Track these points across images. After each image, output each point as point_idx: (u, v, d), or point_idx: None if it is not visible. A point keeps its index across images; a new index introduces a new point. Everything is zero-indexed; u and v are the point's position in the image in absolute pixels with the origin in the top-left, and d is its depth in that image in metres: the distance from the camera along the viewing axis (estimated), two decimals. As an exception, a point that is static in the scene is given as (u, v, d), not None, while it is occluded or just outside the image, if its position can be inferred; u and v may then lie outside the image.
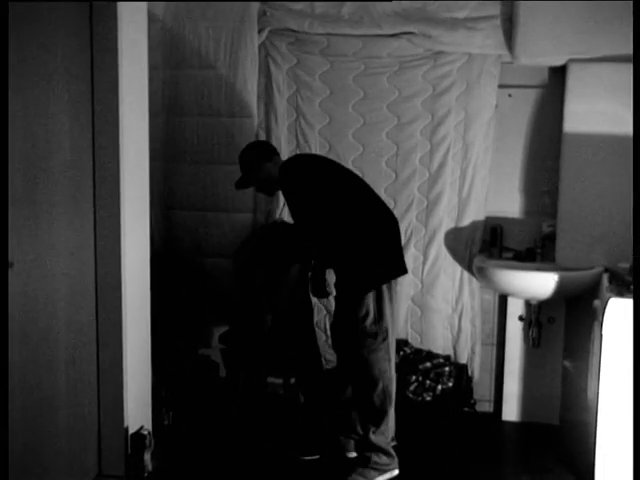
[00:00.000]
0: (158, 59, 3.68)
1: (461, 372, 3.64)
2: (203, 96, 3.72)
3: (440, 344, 3.72)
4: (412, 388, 3.55)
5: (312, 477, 3.06)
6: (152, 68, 3.18)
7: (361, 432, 3.04)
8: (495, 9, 3.48)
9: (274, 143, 3.53)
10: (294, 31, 3.65)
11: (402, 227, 3.53)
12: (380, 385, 2.94)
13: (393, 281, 2.98)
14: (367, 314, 2.91)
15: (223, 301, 3.71)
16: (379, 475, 2.97)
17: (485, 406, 3.78)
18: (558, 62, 3.48)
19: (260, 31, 3.65)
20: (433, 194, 3.65)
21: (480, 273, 3.50)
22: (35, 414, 2.47)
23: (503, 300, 3.71)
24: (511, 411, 3.69)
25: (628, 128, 3.20)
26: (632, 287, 2.82)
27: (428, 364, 3.60)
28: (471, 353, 3.73)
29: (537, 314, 3.55)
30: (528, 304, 3.59)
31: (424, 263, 3.69)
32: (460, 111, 3.59)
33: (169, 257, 3.79)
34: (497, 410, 3.75)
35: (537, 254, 3.60)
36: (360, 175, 3.24)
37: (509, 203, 3.69)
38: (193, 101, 3.73)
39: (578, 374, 3.43)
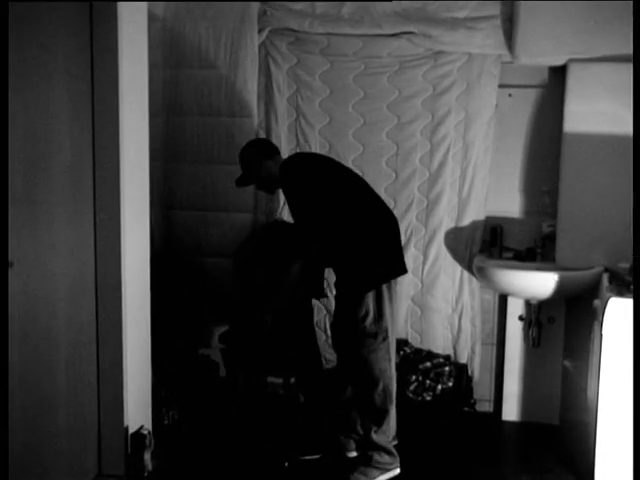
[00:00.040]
0: (158, 58, 3.68)
1: (461, 372, 3.64)
2: (203, 96, 3.73)
3: (440, 344, 3.73)
4: (412, 388, 3.55)
5: (312, 477, 3.06)
6: (152, 67, 3.18)
7: (361, 432, 3.04)
8: (495, 9, 3.48)
9: (274, 142, 3.52)
10: (294, 31, 3.65)
11: (402, 227, 3.53)
12: (381, 385, 2.94)
13: (393, 281, 2.98)
14: (367, 314, 2.91)
15: (223, 301, 3.71)
16: (381, 474, 2.97)
17: (485, 406, 3.78)
18: (558, 62, 3.48)
19: (260, 31, 3.65)
20: (433, 194, 3.65)
21: (480, 273, 3.50)
22: (35, 414, 2.47)
23: (503, 300, 3.71)
24: (511, 411, 3.69)
25: (628, 128, 3.20)
26: (632, 287, 2.82)
27: (428, 364, 3.60)
28: (471, 353, 3.73)
29: (537, 314, 3.55)
30: (528, 304, 3.59)
31: (424, 263, 3.69)
32: (460, 111, 3.59)
33: (169, 257, 3.79)
34: (497, 410, 3.75)
35: (537, 254, 3.60)
36: (360, 174, 3.24)
37: (509, 203, 3.69)
38: (193, 101, 3.74)
39: (578, 374, 3.43)
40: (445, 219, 3.66)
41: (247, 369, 3.55)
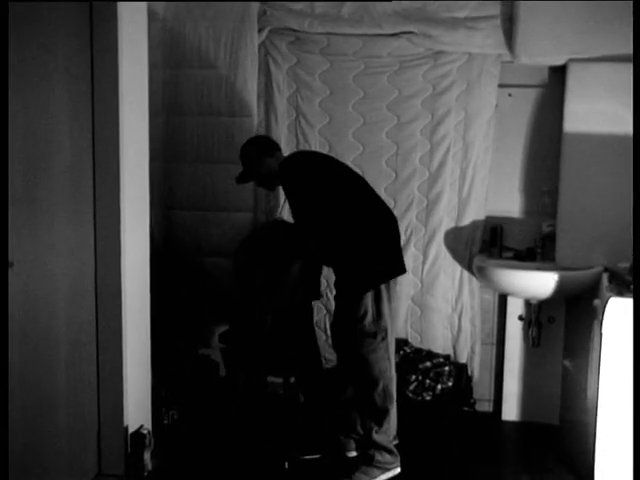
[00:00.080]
0: (158, 58, 3.68)
1: (461, 371, 3.64)
2: (203, 95, 3.72)
3: (440, 343, 3.73)
4: (412, 387, 3.55)
5: (312, 477, 3.06)
6: (152, 67, 3.18)
7: (361, 431, 3.04)
8: (495, 9, 3.48)
9: (274, 141, 3.53)
10: (294, 30, 3.65)
11: (402, 226, 3.54)
12: (381, 384, 2.94)
13: (392, 280, 2.98)
14: (366, 314, 2.90)
15: (223, 301, 3.71)
16: (382, 473, 2.97)
17: (485, 406, 3.78)
18: (558, 62, 3.48)
19: (260, 30, 3.65)
20: (433, 194, 3.65)
21: (480, 273, 3.50)
22: (35, 414, 2.47)
23: (503, 300, 3.71)
24: (511, 411, 3.69)
25: (628, 128, 3.20)
26: (632, 287, 2.82)
27: (428, 363, 3.60)
28: (471, 352, 3.73)
29: (537, 314, 3.55)
30: (528, 304, 3.59)
31: (424, 263, 3.70)
32: (460, 111, 3.59)
33: (169, 257, 3.79)
34: (497, 410, 3.75)
35: (537, 254, 3.60)
36: (360, 174, 3.23)
37: (509, 203, 3.69)
38: (193, 100, 3.73)
39: (578, 374, 3.43)
40: (445, 219, 3.66)
41: (247, 369, 3.55)
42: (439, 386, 3.54)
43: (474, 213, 3.63)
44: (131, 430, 2.92)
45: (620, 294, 2.77)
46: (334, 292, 3.10)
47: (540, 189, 3.65)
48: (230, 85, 3.68)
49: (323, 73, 3.67)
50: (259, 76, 3.70)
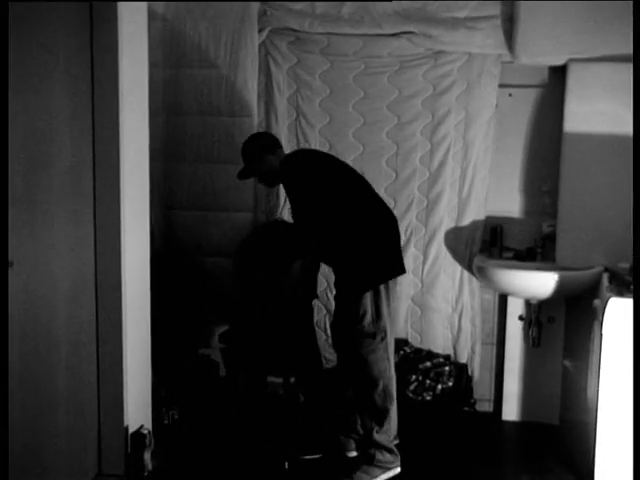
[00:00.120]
0: (158, 58, 3.68)
1: (461, 371, 3.64)
2: (203, 95, 3.72)
3: (440, 343, 3.72)
4: (412, 387, 3.55)
5: (312, 477, 3.06)
6: (152, 67, 3.18)
7: (361, 431, 3.04)
8: (495, 9, 3.48)
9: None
10: (294, 30, 3.65)
11: (402, 226, 3.54)
12: (380, 384, 2.94)
13: (391, 281, 2.98)
14: (365, 314, 2.90)
15: (223, 301, 3.71)
16: (383, 473, 2.97)
17: (485, 406, 3.78)
18: (558, 62, 3.48)
19: (260, 30, 3.65)
20: (433, 193, 3.65)
21: (480, 273, 3.50)
22: (35, 414, 2.47)
23: (503, 300, 3.71)
24: (511, 411, 3.69)
25: (628, 128, 3.20)
26: (632, 287, 2.82)
27: (428, 363, 3.60)
28: (471, 352, 3.73)
29: (537, 314, 3.55)
30: (528, 304, 3.59)
31: (424, 263, 3.69)
32: (460, 111, 3.59)
33: (169, 256, 3.79)
34: (497, 410, 3.75)
35: (537, 254, 3.60)
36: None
37: (509, 203, 3.69)
38: (193, 100, 3.73)
39: (578, 374, 3.43)
40: (445, 219, 3.66)
41: (247, 369, 3.56)
42: (439, 386, 3.54)
43: (474, 213, 3.63)
44: (131, 430, 2.92)
45: (620, 294, 2.78)
46: (334, 292, 3.10)
47: (540, 189, 3.64)
48: (230, 85, 3.68)
49: (323, 73, 3.67)
50: (259, 76, 3.70)
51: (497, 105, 3.58)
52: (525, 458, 3.34)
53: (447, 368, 3.59)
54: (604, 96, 3.36)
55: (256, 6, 3.63)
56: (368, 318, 2.91)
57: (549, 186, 3.59)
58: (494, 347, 3.77)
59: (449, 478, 3.10)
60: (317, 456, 3.17)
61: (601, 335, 2.75)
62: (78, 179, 2.69)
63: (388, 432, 2.98)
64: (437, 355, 3.67)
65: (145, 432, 2.91)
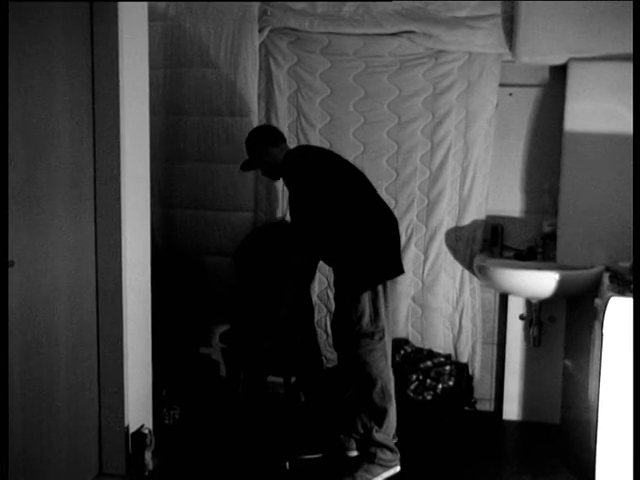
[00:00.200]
0: (159, 57, 3.68)
1: (462, 371, 3.64)
2: (203, 95, 3.72)
3: (441, 343, 3.72)
4: (413, 387, 3.54)
5: (313, 476, 3.06)
6: (152, 67, 3.17)
7: (362, 431, 3.04)
8: (496, 8, 3.48)
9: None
10: (295, 30, 3.64)
11: (403, 226, 3.54)
12: (379, 384, 2.94)
13: (390, 281, 2.98)
14: (363, 314, 2.90)
15: (223, 300, 3.71)
16: (384, 471, 2.97)
17: (486, 405, 3.78)
18: (559, 61, 3.47)
19: (261, 30, 3.65)
20: (434, 193, 3.65)
21: (481, 272, 3.50)
22: (35, 414, 2.47)
23: (504, 299, 3.71)
24: (512, 410, 3.69)
25: (629, 127, 3.20)
26: (633, 286, 2.82)
27: (429, 363, 3.60)
28: (472, 352, 3.73)
29: (538, 313, 3.55)
30: (529, 303, 3.59)
31: (425, 262, 3.69)
32: (461, 110, 3.59)
33: (170, 256, 3.79)
34: (498, 409, 3.75)
35: (538, 253, 3.60)
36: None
37: (510, 202, 3.69)
38: (194, 100, 3.73)
39: (579, 373, 3.43)
40: (446, 218, 3.66)
41: (247, 369, 3.55)
42: (440, 385, 3.54)
43: (475, 212, 3.63)
44: (132, 430, 2.92)
45: (621, 293, 2.77)
46: (334, 291, 3.10)
47: (541, 188, 3.64)
48: (231, 84, 3.68)
49: (324, 72, 3.67)
50: (260, 75, 3.70)
51: (498, 104, 3.58)
52: (526, 457, 3.33)
53: (448, 367, 3.58)
54: (605, 95, 3.35)
55: (256, 6, 3.63)
56: (366, 318, 2.91)
57: (550, 185, 3.59)
58: (495, 346, 3.77)
59: (450, 477, 3.10)
60: (318, 456, 3.17)
61: (602, 334, 2.75)
62: (78, 179, 2.69)
63: (387, 431, 2.97)
64: (438, 354, 3.67)
65: (146, 432, 2.91)
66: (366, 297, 2.90)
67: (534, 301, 3.52)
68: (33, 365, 2.44)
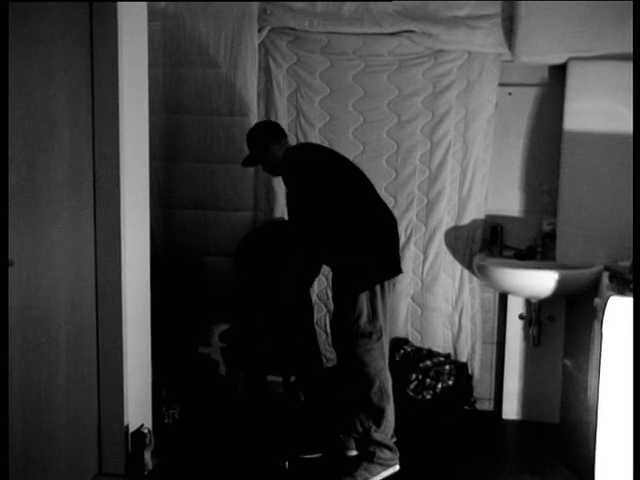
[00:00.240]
0: (158, 57, 3.68)
1: (461, 370, 3.64)
2: (203, 94, 3.72)
3: (440, 342, 3.73)
4: (412, 386, 3.55)
5: (312, 476, 3.06)
6: (152, 66, 3.17)
7: (360, 430, 3.04)
8: (495, 7, 3.48)
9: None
10: (294, 29, 3.64)
11: (402, 225, 3.54)
12: (377, 384, 2.94)
13: (388, 281, 2.98)
14: (361, 314, 2.91)
15: (223, 300, 3.71)
16: (383, 470, 2.97)
17: (485, 404, 3.78)
18: (558, 60, 3.47)
19: (260, 29, 3.65)
20: (433, 192, 3.65)
21: (480, 272, 3.50)
22: (35, 414, 2.47)
23: (503, 298, 3.71)
24: (511, 409, 3.69)
25: (628, 126, 3.20)
26: (632, 286, 2.82)
27: (428, 362, 3.60)
28: (471, 351, 3.73)
29: (537, 312, 3.55)
30: (528, 302, 3.59)
31: (424, 261, 3.69)
32: (460, 109, 3.59)
33: (169, 256, 3.79)
34: (497, 408, 3.75)
35: (537, 252, 3.60)
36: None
37: (509, 201, 3.69)
38: (193, 99, 3.73)
39: (578, 372, 3.44)
40: (445, 218, 3.66)
41: (247, 368, 3.56)
42: (439, 385, 3.54)
43: (474, 212, 3.63)
44: (131, 429, 2.92)
45: (621, 293, 2.77)
46: (332, 291, 3.10)
47: (540, 188, 3.64)
48: (230, 84, 3.68)
49: (323, 72, 3.67)
50: (259, 75, 3.70)
51: (497, 104, 3.58)
52: (525, 457, 3.34)
53: (447, 367, 3.58)
54: (604, 94, 3.35)
55: (256, 5, 3.62)
56: (364, 318, 2.91)
57: (549, 185, 3.59)
58: (494, 346, 3.77)
59: (449, 477, 3.10)
60: (317, 455, 3.17)
61: (601, 334, 2.76)
62: (78, 179, 2.69)
63: (385, 431, 2.98)
64: (437, 354, 3.67)
65: (145, 431, 2.91)
66: (364, 297, 2.90)
67: (534, 300, 3.52)
68: (33, 365, 2.44)
